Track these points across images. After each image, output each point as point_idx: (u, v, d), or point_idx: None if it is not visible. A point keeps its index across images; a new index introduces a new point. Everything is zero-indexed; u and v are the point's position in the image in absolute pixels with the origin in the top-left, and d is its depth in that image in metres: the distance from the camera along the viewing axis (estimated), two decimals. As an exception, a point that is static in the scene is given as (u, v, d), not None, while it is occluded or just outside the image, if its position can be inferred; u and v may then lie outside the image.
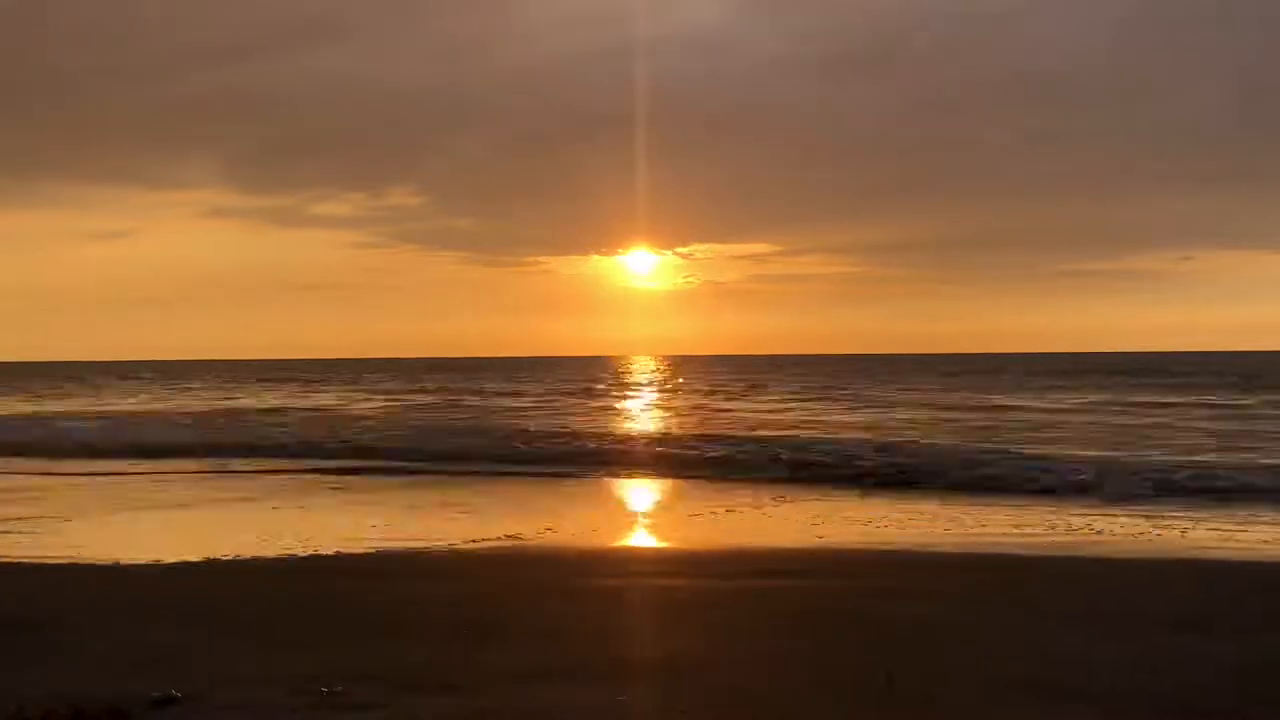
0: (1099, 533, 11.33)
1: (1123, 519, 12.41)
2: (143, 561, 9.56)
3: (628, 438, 25.73)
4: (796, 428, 26.99)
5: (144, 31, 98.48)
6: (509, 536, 10.87)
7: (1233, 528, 11.78)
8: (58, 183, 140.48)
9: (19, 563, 9.45)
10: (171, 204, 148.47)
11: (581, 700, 5.28)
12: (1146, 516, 12.52)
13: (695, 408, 38.80)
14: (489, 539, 10.76)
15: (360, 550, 10.15)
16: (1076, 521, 12.13)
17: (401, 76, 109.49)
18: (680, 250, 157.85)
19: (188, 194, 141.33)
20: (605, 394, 50.96)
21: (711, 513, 12.86)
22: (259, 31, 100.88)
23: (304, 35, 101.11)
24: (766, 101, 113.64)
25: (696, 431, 25.80)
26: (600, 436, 24.75)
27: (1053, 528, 11.72)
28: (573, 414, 34.95)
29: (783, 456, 19.07)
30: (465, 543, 10.56)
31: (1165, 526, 11.75)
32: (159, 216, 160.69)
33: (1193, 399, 37.68)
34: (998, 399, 40.41)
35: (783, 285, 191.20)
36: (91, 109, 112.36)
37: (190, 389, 59.69)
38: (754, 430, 25.73)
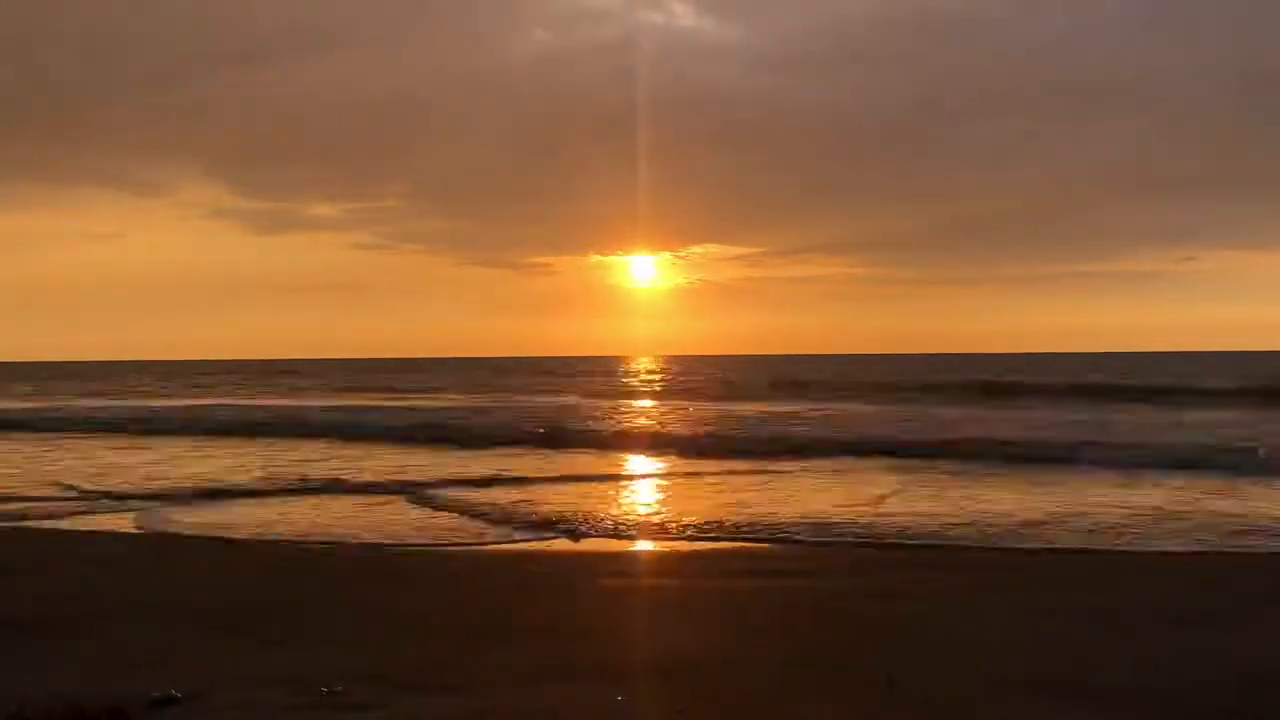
0: (1099, 531, 11.31)
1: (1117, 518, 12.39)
2: (144, 561, 9.57)
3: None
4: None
5: (139, 41, 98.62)
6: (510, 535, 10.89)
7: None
8: (56, 186, 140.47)
9: (18, 562, 9.46)
10: (167, 208, 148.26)
11: (581, 700, 5.28)
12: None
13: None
14: (491, 538, 10.77)
15: (361, 549, 10.15)
16: (1074, 519, 12.10)
17: (398, 79, 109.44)
18: (679, 251, 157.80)
19: (184, 197, 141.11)
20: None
21: (710, 512, 12.84)
22: (256, 38, 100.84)
23: (301, 40, 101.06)
24: (764, 103, 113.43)
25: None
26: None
27: (1051, 525, 11.69)
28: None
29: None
30: (468, 541, 10.56)
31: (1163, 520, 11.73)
32: (154, 219, 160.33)
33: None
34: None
35: (783, 286, 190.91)
36: (90, 116, 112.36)
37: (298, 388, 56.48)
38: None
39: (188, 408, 37.79)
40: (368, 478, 16.32)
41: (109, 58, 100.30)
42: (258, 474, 17.29)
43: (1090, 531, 11.00)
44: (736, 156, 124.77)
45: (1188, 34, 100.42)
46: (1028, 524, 11.43)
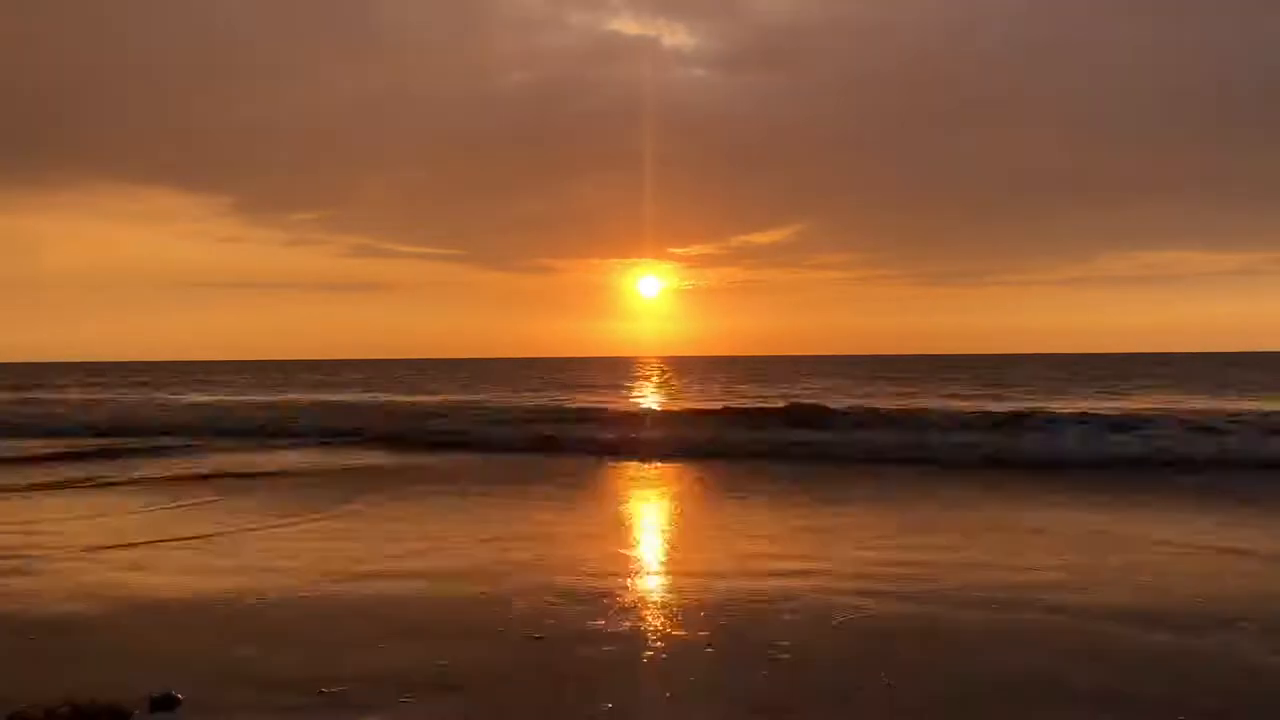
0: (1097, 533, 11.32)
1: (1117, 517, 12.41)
2: (148, 562, 9.56)
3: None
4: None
5: (139, 64, 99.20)
6: (511, 536, 10.89)
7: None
8: (57, 192, 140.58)
9: (21, 563, 9.46)
10: (161, 217, 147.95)
11: (581, 701, 5.30)
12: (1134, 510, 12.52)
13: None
14: (492, 538, 10.76)
15: (363, 550, 10.14)
16: (1070, 521, 12.12)
17: (393, 82, 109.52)
18: (676, 252, 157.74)
19: (176, 205, 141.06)
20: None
21: (707, 511, 12.86)
22: (253, 54, 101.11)
23: (299, 51, 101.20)
24: (755, 107, 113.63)
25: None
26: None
27: (1049, 526, 11.71)
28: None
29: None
30: (469, 542, 10.55)
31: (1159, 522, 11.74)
32: (147, 225, 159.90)
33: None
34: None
35: (778, 287, 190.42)
36: (92, 130, 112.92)
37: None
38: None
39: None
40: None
41: (110, 81, 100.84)
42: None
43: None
44: (729, 160, 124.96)
45: (1187, 32, 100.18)
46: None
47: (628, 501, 14.19)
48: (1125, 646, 6.36)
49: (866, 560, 9.42)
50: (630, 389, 53.69)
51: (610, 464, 19.14)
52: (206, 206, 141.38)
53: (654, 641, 6.62)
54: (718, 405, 32.28)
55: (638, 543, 10.87)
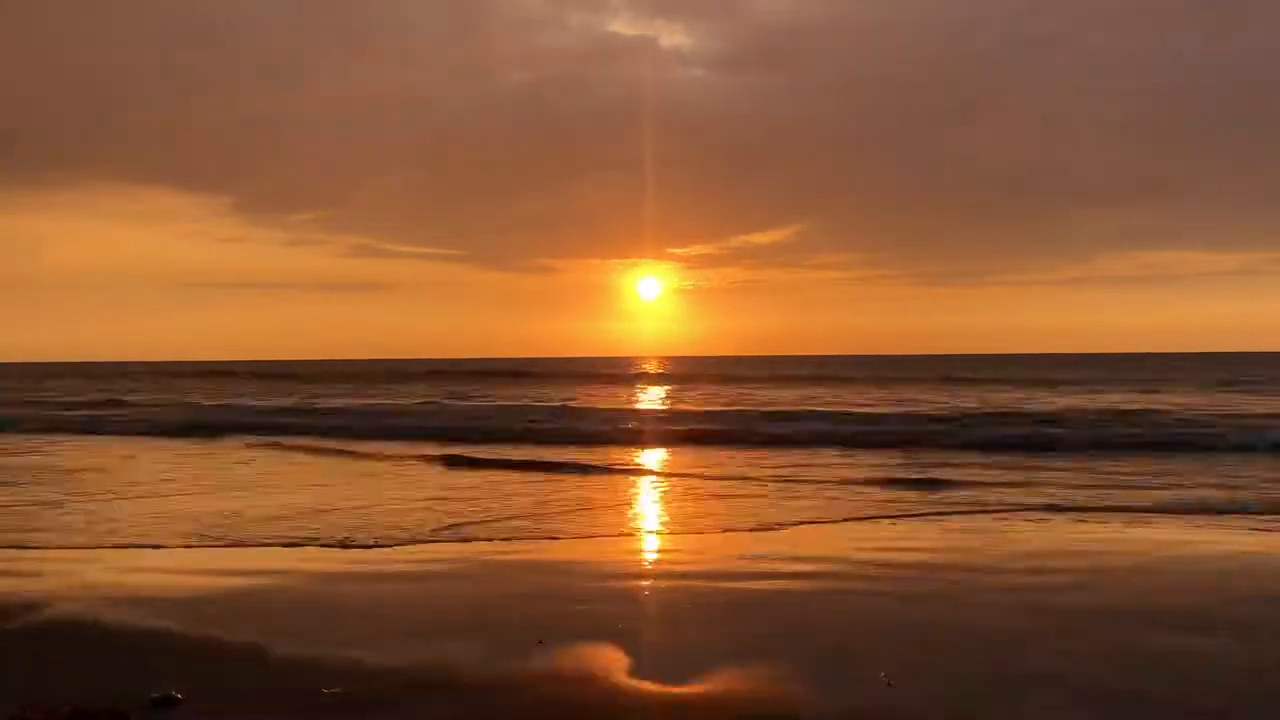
0: (1095, 532, 11.34)
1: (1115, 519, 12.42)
2: (144, 562, 9.57)
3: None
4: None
5: (138, 64, 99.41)
6: (512, 536, 10.91)
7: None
8: (57, 192, 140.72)
9: (21, 564, 9.47)
10: (162, 212, 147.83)
11: (582, 701, 5.30)
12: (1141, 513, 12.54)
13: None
14: (495, 538, 10.77)
15: (363, 550, 10.15)
16: (1071, 522, 12.13)
17: (393, 82, 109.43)
18: (676, 252, 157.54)
19: (179, 203, 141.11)
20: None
21: (707, 512, 12.87)
22: (257, 58, 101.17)
23: (304, 47, 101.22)
24: (753, 107, 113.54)
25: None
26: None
27: (1048, 528, 11.72)
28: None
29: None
30: (470, 542, 10.57)
31: (1158, 524, 11.77)
32: (147, 225, 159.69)
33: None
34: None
35: (777, 287, 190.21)
36: (92, 130, 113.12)
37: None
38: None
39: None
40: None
41: (108, 86, 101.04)
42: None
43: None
44: (729, 160, 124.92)
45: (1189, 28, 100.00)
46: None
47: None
48: (1125, 646, 6.36)
49: (866, 560, 9.42)
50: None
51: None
52: (206, 206, 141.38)
53: (653, 641, 6.63)
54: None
55: (638, 544, 10.88)
